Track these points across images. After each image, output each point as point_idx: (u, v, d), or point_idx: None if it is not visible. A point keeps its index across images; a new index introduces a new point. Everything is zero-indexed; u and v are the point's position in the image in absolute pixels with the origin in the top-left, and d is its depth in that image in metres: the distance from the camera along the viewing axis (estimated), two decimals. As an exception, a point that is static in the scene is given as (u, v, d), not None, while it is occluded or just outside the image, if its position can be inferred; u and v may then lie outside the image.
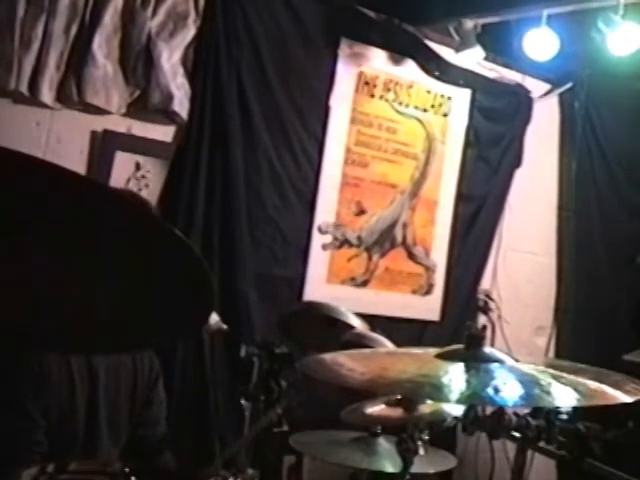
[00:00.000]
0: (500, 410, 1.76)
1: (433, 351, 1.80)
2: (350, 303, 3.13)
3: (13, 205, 1.02)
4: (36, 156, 1.01)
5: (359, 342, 2.36)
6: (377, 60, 4.01)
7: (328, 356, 1.84)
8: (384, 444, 2.60)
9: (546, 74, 4.51)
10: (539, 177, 4.68)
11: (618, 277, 4.78)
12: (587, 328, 4.71)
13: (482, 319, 4.39)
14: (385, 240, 4.13)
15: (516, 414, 1.79)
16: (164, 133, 3.51)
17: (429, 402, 2.31)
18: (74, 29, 3.20)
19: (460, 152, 4.31)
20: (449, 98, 4.25)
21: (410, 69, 4.11)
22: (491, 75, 4.36)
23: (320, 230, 3.92)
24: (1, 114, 3.16)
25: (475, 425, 1.80)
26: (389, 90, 4.06)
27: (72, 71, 3.21)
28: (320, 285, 3.92)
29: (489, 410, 1.81)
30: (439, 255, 4.29)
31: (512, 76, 4.45)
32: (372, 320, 2.72)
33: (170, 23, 3.40)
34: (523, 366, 1.71)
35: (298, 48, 3.76)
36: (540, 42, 3.83)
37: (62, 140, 3.30)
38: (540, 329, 4.74)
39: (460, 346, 1.76)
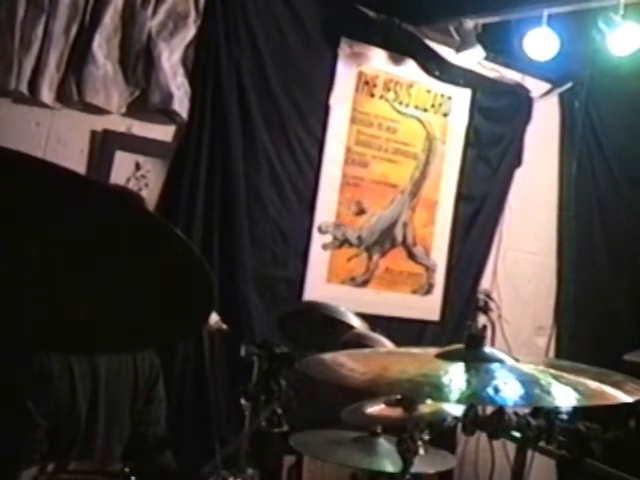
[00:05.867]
0: (500, 410, 1.76)
1: (433, 351, 1.80)
2: (350, 303, 3.12)
3: (13, 205, 1.02)
4: (36, 156, 1.01)
5: (359, 342, 2.36)
6: (377, 60, 4.01)
7: (328, 356, 1.84)
8: (384, 444, 2.60)
9: (546, 74, 4.51)
10: (539, 177, 4.68)
11: (618, 277, 4.78)
12: (587, 328, 4.71)
13: (482, 319, 4.39)
14: (385, 240, 4.13)
15: (516, 414, 1.79)
16: (164, 133, 3.51)
17: (429, 402, 2.31)
18: (74, 29, 3.20)
19: (460, 152, 4.31)
20: (449, 98, 4.25)
21: (410, 69, 4.11)
22: (491, 75, 4.36)
23: (320, 230, 3.92)
24: (1, 114, 3.16)
25: (475, 425, 1.80)
26: (389, 90, 4.06)
27: (72, 71, 3.21)
28: (320, 285, 3.92)
29: (489, 410, 1.81)
30: (439, 255, 4.29)
31: (512, 76, 4.45)
32: (372, 320, 2.71)
33: (170, 23, 3.40)
34: (523, 366, 1.71)
35: (298, 48, 3.76)
36: (540, 42, 3.83)
37: (62, 140, 3.30)
38: (540, 329, 4.74)
39: (460, 346, 1.76)
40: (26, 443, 2.33)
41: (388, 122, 4.08)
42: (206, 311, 1.30)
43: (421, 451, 2.13)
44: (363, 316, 2.68)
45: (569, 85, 4.61)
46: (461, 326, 4.15)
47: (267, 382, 2.28)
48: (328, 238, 3.95)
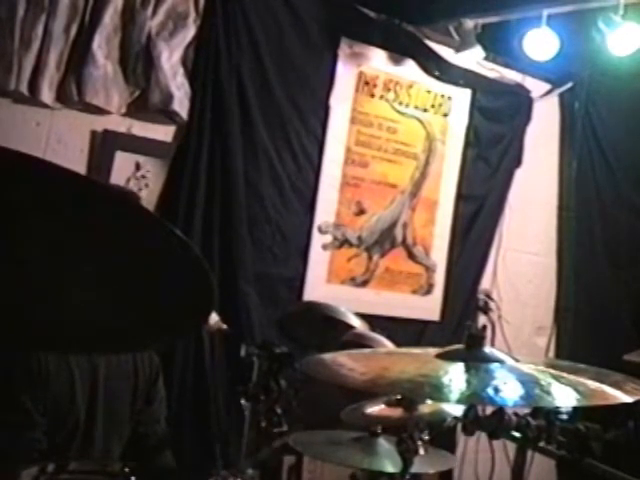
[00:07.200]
0: (500, 410, 1.76)
1: (433, 351, 1.80)
2: (350, 303, 3.13)
3: (13, 205, 1.02)
4: (36, 156, 1.01)
5: (359, 342, 2.36)
6: (377, 60, 4.01)
7: (328, 356, 1.84)
8: (384, 444, 2.60)
9: (546, 74, 4.52)
10: (539, 177, 4.68)
11: (618, 277, 4.78)
12: (587, 328, 4.71)
13: (482, 319, 4.39)
14: (385, 240, 4.13)
15: (516, 414, 1.79)
16: (164, 133, 3.51)
17: (429, 402, 2.31)
18: (74, 29, 3.20)
19: (460, 152, 4.31)
20: (449, 98, 4.25)
21: (410, 69, 4.11)
22: (491, 75, 4.36)
23: (320, 230, 3.92)
24: (1, 114, 3.16)
25: (475, 425, 1.80)
26: (389, 90, 4.06)
27: (72, 71, 3.21)
28: (320, 285, 3.92)
29: (489, 410, 1.81)
30: (439, 255, 4.29)
31: (512, 76, 4.45)
32: (372, 320, 2.71)
33: (170, 23, 3.40)
34: (523, 366, 1.71)
35: (298, 48, 3.76)
36: (540, 42, 3.84)
37: (62, 140, 3.30)
38: (540, 329, 4.74)
39: (460, 346, 1.76)
40: (24, 441, 2.34)
41: (388, 122, 4.08)
42: (206, 311, 1.30)
43: (421, 451, 2.12)
44: (363, 316, 2.68)
45: (569, 85, 4.61)
46: (461, 326, 4.15)
47: (267, 382, 2.28)
48: (328, 238, 3.95)
